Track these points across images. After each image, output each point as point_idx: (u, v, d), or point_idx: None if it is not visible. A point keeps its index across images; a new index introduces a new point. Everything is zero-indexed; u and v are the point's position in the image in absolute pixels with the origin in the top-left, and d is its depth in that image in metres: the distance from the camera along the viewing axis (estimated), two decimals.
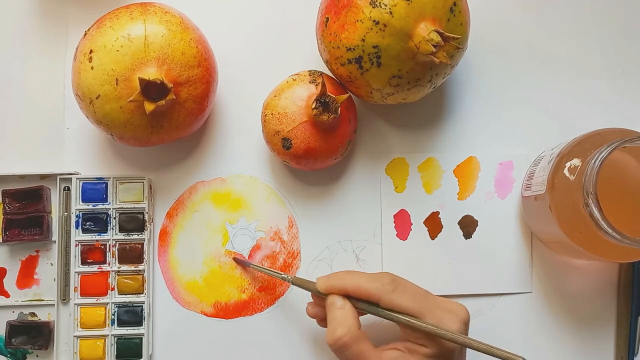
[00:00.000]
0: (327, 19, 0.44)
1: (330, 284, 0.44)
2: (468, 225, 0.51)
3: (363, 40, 0.43)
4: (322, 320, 0.46)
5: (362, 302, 0.43)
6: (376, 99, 0.46)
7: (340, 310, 0.43)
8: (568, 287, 0.50)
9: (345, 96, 0.45)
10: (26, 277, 0.50)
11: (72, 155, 0.51)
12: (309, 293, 0.50)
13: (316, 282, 0.45)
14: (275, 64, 0.51)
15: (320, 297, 0.45)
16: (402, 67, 0.43)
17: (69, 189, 0.50)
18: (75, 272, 0.49)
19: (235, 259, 0.50)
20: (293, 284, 0.46)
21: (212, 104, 0.48)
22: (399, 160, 0.51)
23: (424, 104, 0.51)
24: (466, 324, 0.43)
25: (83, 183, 0.49)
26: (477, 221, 0.51)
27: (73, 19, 0.52)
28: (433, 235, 0.51)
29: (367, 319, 0.47)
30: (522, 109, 0.52)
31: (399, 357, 0.42)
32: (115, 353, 0.49)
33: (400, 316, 0.42)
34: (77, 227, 0.49)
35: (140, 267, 0.49)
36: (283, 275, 0.47)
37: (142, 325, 0.49)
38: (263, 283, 0.50)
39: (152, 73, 0.43)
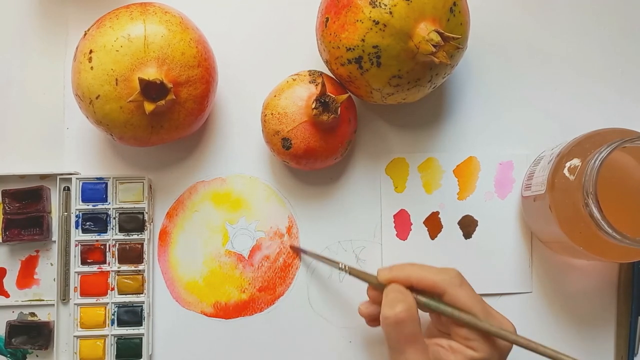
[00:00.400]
0: (327, 19, 0.44)
1: (394, 275, 0.42)
2: (468, 225, 0.51)
3: (363, 40, 0.43)
4: (375, 320, 0.44)
5: (424, 296, 0.42)
6: (376, 99, 0.46)
7: (401, 294, 0.41)
8: (568, 287, 0.50)
9: (345, 96, 0.45)
10: (26, 277, 0.50)
11: (72, 155, 0.51)
12: (309, 293, 0.50)
13: (377, 274, 0.43)
14: (275, 64, 0.51)
15: (377, 292, 0.44)
16: (402, 67, 0.43)
17: (69, 189, 0.50)
18: (75, 272, 0.49)
19: (291, 247, 0.50)
20: (350, 274, 0.45)
21: (212, 104, 0.48)
22: (399, 160, 0.51)
23: (424, 104, 0.51)
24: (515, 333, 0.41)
25: (83, 183, 0.49)
26: (477, 221, 0.51)
27: (73, 19, 0.52)
28: (433, 235, 0.51)
29: None
30: (522, 109, 0.52)
31: (443, 353, 0.40)
32: (115, 353, 0.49)
33: (461, 314, 0.40)
34: (77, 227, 0.49)
35: (140, 267, 0.49)
36: (340, 265, 0.46)
37: (142, 325, 0.49)
38: (263, 283, 0.50)
39: (152, 73, 0.43)
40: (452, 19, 0.43)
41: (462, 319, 0.40)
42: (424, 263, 0.43)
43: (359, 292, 0.50)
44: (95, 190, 0.49)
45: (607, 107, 0.51)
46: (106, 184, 0.49)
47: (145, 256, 0.49)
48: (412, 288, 0.42)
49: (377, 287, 0.43)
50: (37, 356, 0.50)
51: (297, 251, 0.50)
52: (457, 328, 0.41)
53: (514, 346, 0.40)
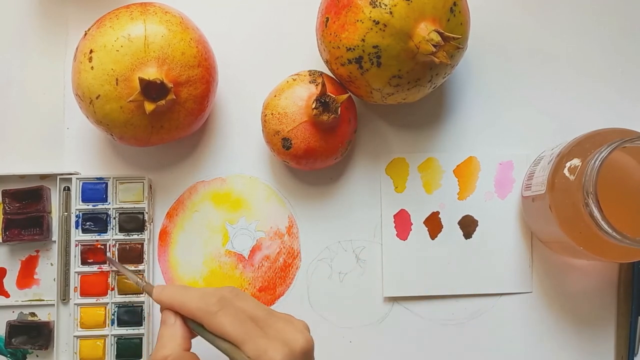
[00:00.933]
0: (327, 19, 0.44)
1: (163, 298, 0.40)
2: (468, 225, 0.51)
3: (363, 40, 0.43)
4: None
5: (192, 322, 0.40)
6: (376, 99, 0.46)
7: (170, 328, 0.40)
8: (568, 287, 0.50)
9: (345, 96, 0.45)
10: (26, 277, 0.50)
11: (72, 155, 0.51)
12: (309, 293, 0.50)
13: (153, 292, 0.41)
14: (275, 64, 0.51)
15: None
16: (402, 67, 0.43)
17: (69, 189, 0.50)
18: (75, 272, 0.49)
19: (107, 258, 0.49)
20: (143, 289, 0.44)
21: (212, 104, 0.48)
22: (399, 160, 0.51)
23: (424, 104, 0.51)
24: (299, 356, 0.37)
25: (83, 183, 0.49)
26: (477, 221, 0.51)
27: (73, 19, 0.52)
28: (433, 235, 0.51)
29: None
30: (522, 109, 0.52)
31: None
32: (115, 353, 0.49)
33: (221, 343, 0.38)
34: (77, 227, 0.49)
35: (140, 267, 0.49)
36: (137, 281, 0.44)
37: (142, 325, 0.49)
38: (263, 283, 0.50)
39: (152, 73, 0.43)
40: (452, 19, 0.43)
41: (218, 348, 0.38)
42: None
43: (359, 292, 0.50)
44: (95, 190, 0.49)
45: (607, 107, 0.51)
46: (106, 184, 0.49)
47: (145, 256, 0.49)
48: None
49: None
50: (37, 356, 0.50)
51: (109, 261, 0.49)
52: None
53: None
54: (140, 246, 0.49)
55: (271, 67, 0.51)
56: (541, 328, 0.50)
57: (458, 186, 0.51)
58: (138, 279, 0.45)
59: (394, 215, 0.51)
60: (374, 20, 0.42)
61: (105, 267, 0.49)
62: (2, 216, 0.49)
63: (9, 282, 0.50)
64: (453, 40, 0.42)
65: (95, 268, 0.49)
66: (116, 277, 0.49)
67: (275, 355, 0.36)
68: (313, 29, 0.48)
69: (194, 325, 0.40)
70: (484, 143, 0.51)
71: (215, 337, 0.38)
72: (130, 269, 0.48)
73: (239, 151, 0.51)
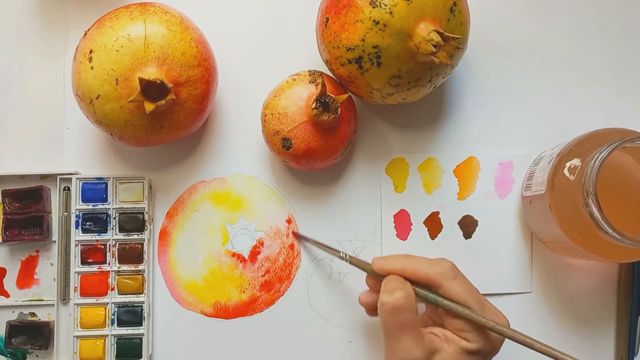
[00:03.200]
0: (327, 19, 0.44)
1: (388, 266, 0.42)
2: (468, 225, 0.51)
3: (363, 40, 0.43)
4: (375, 310, 0.44)
5: (420, 288, 0.41)
6: (376, 99, 0.46)
7: (401, 282, 0.41)
8: (568, 287, 0.50)
9: (345, 96, 0.45)
10: (26, 277, 0.50)
11: (72, 155, 0.51)
12: (309, 292, 0.50)
13: (372, 263, 0.43)
14: (275, 64, 0.51)
15: (375, 281, 0.44)
16: (402, 67, 0.43)
17: (69, 189, 0.50)
18: (75, 272, 0.49)
19: (294, 233, 0.50)
20: (350, 263, 0.45)
21: (212, 104, 0.48)
22: (399, 160, 0.51)
23: (424, 104, 0.51)
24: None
25: (83, 183, 0.49)
26: (477, 221, 0.51)
27: (73, 19, 0.52)
28: (433, 235, 0.51)
29: None
30: (522, 109, 0.52)
31: (437, 342, 0.40)
32: (115, 353, 0.49)
33: (456, 306, 0.40)
34: (77, 227, 0.49)
35: (140, 267, 0.49)
36: (341, 254, 0.45)
37: (142, 325, 0.49)
38: (263, 283, 0.50)
39: (152, 73, 0.43)
40: (452, 19, 0.43)
41: (458, 312, 0.40)
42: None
43: (359, 292, 0.50)
44: (95, 190, 0.49)
45: (607, 107, 0.51)
46: (106, 184, 0.49)
47: (145, 256, 0.49)
48: (407, 280, 0.42)
49: (376, 276, 0.43)
50: (37, 356, 0.50)
51: (299, 238, 0.50)
52: (450, 319, 0.41)
53: (507, 343, 0.40)
54: (140, 246, 0.49)
55: (271, 67, 0.51)
56: (541, 328, 0.50)
57: (458, 186, 0.51)
58: (340, 254, 0.46)
59: (394, 215, 0.51)
60: (374, 20, 0.42)
61: (105, 267, 0.49)
62: (2, 216, 0.49)
63: (9, 282, 0.50)
64: (453, 40, 0.42)
65: (95, 268, 0.49)
66: (116, 277, 0.49)
67: (505, 322, 0.41)
68: (313, 29, 0.48)
69: (423, 291, 0.41)
70: (484, 143, 0.51)
71: (450, 301, 0.40)
72: (317, 240, 0.49)
73: (239, 151, 0.51)
